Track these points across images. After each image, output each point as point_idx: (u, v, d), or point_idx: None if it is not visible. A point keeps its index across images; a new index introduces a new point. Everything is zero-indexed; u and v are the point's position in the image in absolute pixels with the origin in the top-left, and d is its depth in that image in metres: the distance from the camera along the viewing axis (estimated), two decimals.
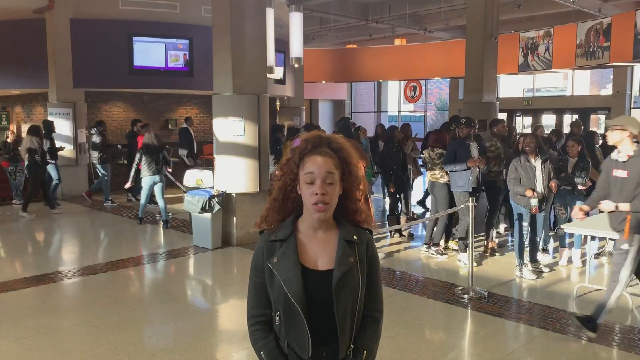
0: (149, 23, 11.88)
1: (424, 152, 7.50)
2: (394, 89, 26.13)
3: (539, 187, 6.04)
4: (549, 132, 9.99)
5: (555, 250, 7.21)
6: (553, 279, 6.22)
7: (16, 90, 13.18)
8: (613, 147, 4.58)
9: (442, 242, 7.26)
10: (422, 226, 8.71)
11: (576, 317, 4.60)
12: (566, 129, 12.52)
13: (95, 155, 11.00)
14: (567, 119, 19.83)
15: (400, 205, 8.43)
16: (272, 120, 14.02)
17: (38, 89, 12.35)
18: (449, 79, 21.95)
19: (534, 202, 5.94)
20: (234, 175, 7.66)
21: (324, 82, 21.53)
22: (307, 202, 1.83)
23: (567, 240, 6.80)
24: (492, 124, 7.69)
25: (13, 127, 14.12)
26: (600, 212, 5.83)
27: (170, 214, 9.26)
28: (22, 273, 6.61)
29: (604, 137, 7.93)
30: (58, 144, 10.77)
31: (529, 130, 14.94)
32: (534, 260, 6.38)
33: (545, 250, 7.12)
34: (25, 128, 13.90)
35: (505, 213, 8.00)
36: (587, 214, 4.80)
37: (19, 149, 10.22)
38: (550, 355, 4.32)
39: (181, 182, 10.11)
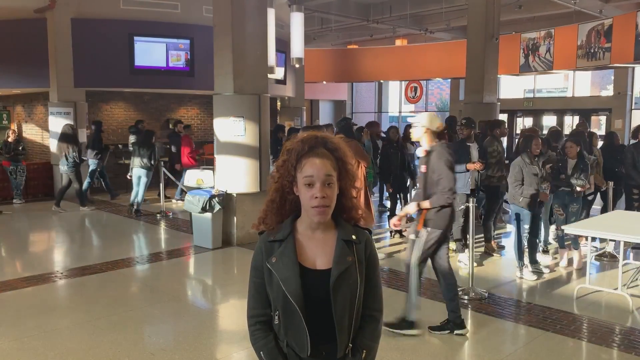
0: (149, 23, 11.88)
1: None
2: (394, 90, 26.12)
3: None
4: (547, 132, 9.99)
5: (556, 251, 7.20)
6: (553, 280, 6.22)
7: (17, 90, 13.18)
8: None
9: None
10: None
11: (389, 325, 4.53)
12: (566, 130, 12.53)
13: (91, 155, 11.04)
14: (568, 120, 19.83)
15: (400, 206, 8.43)
16: (273, 120, 14.03)
17: (39, 89, 12.35)
18: (449, 80, 21.93)
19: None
20: (234, 175, 7.66)
21: (324, 82, 21.53)
22: (306, 204, 1.83)
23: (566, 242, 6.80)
24: (493, 126, 7.66)
25: (14, 126, 14.12)
26: (604, 212, 5.84)
27: (139, 202, 10.07)
28: (22, 272, 6.60)
29: (605, 137, 7.94)
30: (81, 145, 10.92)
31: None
32: (533, 261, 6.38)
33: (545, 252, 7.12)
34: (25, 127, 13.94)
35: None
36: (410, 218, 4.83)
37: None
38: (550, 356, 4.32)
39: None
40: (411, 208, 4.63)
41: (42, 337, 4.63)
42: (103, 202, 11.08)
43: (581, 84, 21.19)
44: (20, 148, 11.37)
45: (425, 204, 4.47)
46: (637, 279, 5.98)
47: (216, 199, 7.42)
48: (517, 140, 7.69)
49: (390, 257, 7.20)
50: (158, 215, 9.87)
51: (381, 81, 23.89)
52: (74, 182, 10.33)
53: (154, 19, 11.90)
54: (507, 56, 14.99)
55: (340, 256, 1.83)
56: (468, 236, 5.95)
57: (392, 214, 8.39)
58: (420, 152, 4.68)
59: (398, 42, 20.23)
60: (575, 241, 6.54)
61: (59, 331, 4.80)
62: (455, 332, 4.60)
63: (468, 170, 6.54)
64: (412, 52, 19.13)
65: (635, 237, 5.32)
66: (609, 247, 7.01)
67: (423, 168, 4.56)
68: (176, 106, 14.52)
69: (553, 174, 6.49)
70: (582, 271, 6.35)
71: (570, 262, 6.66)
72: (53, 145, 11.94)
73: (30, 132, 13.80)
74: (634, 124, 14.84)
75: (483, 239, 7.40)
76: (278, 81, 14.27)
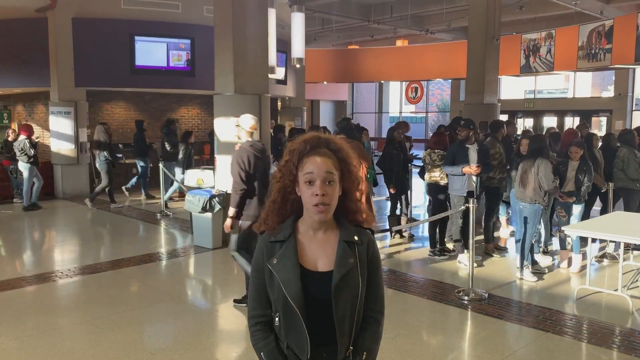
0: (150, 23, 11.89)
1: (423, 153, 7.50)
2: (395, 90, 26.15)
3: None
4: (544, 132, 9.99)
5: (556, 252, 7.21)
6: (554, 281, 6.21)
7: (18, 89, 13.19)
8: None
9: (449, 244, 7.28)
10: (423, 227, 8.70)
11: (236, 301, 5.27)
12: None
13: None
14: (569, 121, 19.83)
15: (400, 206, 8.43)
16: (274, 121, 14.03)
17: (40, 88, 12.36)
18: (450, 80, 21.97)
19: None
20: None
21: (325, 82, 21.55)
22: (307, 203, 1.82)
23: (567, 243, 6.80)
24: (494, 128, 7.63)
25: (14, 125, 14.13)
26: (603, 213, 5.83)
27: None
28: (22, 272, 6.61)
29: (602, 139, 7.93)
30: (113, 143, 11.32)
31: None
32: (533, 262, 6.38)
33: (546, 252, 7.12)
34: None
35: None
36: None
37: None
38: (550, 357, 4.32)
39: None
40: (230, 211, 5.05)
41: (42, 336, 4.63)
42: (105, 201, 11.08)
43: (582, 85, 21.21)
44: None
45: (231, 211, 5.00)
46: (637, 280, 5.97)
47: (216, 198, 7.42)
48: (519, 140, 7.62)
49: (391, 258, 7.20)
50: (158, 214, 9.87)
51: (382, 82, 23.91)
52: (103, 179, 10.60)
53: (155, 18, 11.91)
54: (508, 57, 15.00)
55: (342, 258, 1.82)
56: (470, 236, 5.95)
57: (392, 214, 8.39)
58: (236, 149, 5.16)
59: (399, 43, 20.25)
60: (576, 246, 6.51)
61: (58, 330, 4.80)
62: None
63: (464, 174, 6.51)
64: (412, 53, 19.14)
65: (635, 238, 5.32)
66: (609, 248, 7.01)
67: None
68: (177, 106, 14.53)
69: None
70: (582, 272, 6.35)
71: (570, 262, 6.65)
72: (54, 144, 11.96)
73: None
74: (634, 125, 14.84)
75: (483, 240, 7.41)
76: (279, 81, 14.27)
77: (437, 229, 7.21)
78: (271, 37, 10.12)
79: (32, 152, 10.26)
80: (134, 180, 11.88)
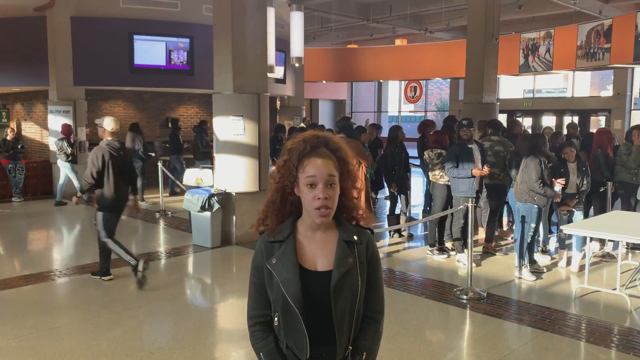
0: (149, 21, 11.88)
1: (424, 153, 7.50)
2: (394, 89, 26.15)
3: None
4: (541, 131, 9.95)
5: (555, 251, 7.22)
6: (552, 280, 6.22)
7: (16, 88, 13.17)
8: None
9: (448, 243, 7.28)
10: (422, 226, 8.71)
11: (92, 273, 6.10)
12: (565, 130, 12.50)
13: None
14: (568, 120, 19.84)
15: (400, 206, 8.44)
16: (272, 120, 14.03)
17: (38, 87, 12.34)
18: (449, 80, 21.96)
19: (558, 188, 6.15)
20: (233, 174, 7.66)
21: (324, 81, 21.54)
22: (308, 205, 1.81)
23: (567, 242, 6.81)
24: (510, 127, 7.59)
25: (13, 124, 14.11)
26: (598, 213, 5.83)
27: None
28: (21, 271, 6.60)
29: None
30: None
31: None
32: (532, 261, 6.38)
33: (545, 252, 7.13)
34: (25, 126, 13.92)
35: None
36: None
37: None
38: (549, 356, 4.33)
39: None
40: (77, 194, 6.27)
41: (41, 335, 4.63)
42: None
43: (581, 84, 21.23)
44: (19, 146, 11.37)
45: (78, 194, 6.20)
46: (635, 280, 5.98)
47: (215, 198, 7.42)
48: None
49: (389, 257, 7.21)
50: (157, 214, 9.87)
51: (381, 81, 23.91)
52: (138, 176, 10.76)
53: (154, 17, 11.89)
54: (507, 56, 15.00)
55: (341, 258, 1.82)
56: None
57: (392, 213, 8.40)
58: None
59: (398, 42, 20.25)
60: (578, 244, 6.51)
61: (57, 329, 4.80)
62: (103, 277, 6.03)
63: (474, 177, 6.48)
64: (411, 52, 19.14)
65: (633, 238, 5.33)
66: (608, 248, 7.01)
67: None
68: (176, 105, 14.51)
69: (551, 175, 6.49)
70: (580, 272, 6.35)
71: (569, 261, 6.66)
72: (52, 143, 11.94)
73: (30, 130, 13.78)
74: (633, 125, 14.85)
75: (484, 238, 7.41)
76: (278, 80, 14.26)
77: (437, 228, 7.21)
78: (270, 36, 10.12)
79: (70, 150, 10.61)
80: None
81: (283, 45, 13.71)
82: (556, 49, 15.04)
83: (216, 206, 7.41)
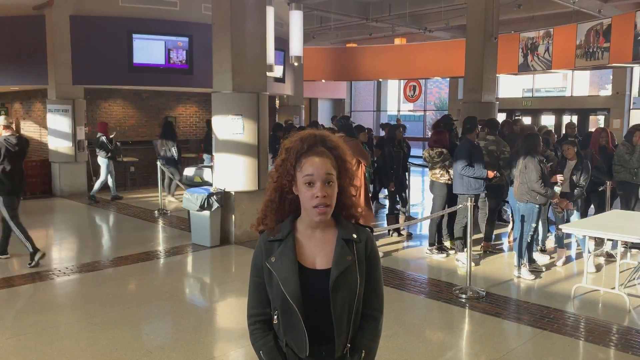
0: (148, 20, 11.87)
1: (424, 151, 7.50)
2: (393, 88, 26.13)
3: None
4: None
5: (554, 250, 7.22)
6: (551, 279, 6.23)
7: (15, 87, 13.16)
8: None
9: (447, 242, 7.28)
10: (421, 225, 8.71)
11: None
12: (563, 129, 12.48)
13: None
14: (567, 120, 19.85)
15: (399, 205, 8.44)
16: (272, 119, 14.03)
17: (37, 86, 12.33)
18: (448, 79, 21.94)
19: (558, 189, 6.15)
20: (233, 173, 7.65)
21: (323, 80, 21.52)
22: (307, 204, 1.81)
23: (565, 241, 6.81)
24: (494, 126, 7.58)
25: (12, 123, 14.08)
26: (598, 212, 5.82)
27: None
28: (20, 269, 6.60)
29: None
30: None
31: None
32: (530, 260, 6.39)
33: (543, 251, 7.13)
34: (24, 125, 13.90)
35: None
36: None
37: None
38: (548, 355, 4.33)
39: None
40: None
41: (40, 334, 4.63)
42: (104, 199, 11.07)
43: (580, 83, 21.22)
44: None
45: None
46: (634, 279, 5.99)
47: (214, 197, 7.42)
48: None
49: (389, 256, 7.21)
50: (156, 212, 9.86)
51: (380, 80, 23.89)
52: (174, 174, 10.83)
53: (153, 16, 11.89)
54: (506, 55, 15.00)
55: (340, 256, 1.82)
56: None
57: (391, 212, 8.40)
58: None
59: (397, 41, 20.22)
60: (583, 244, 6.49)
61: (56, 328, 4.80)
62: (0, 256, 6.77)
63: (490, 178, 6.54)
64: (411, 51, 19.12)
65: (632, 237, 5.33)
66: (607, 247, 7.02)
67: None
68: (175, 104, 14.50)
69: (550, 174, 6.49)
70: (579, 270, 6.36)
71: (567, 261, 6.67)
72: (51, 142, 11.94)
73: (29, 129, 13.76)
74: (632, 124, 14.86)
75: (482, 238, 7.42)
76: (277, 79, 14.26)
77: (436, 227, 7.22)
78: (269, 35, 10.11)
79: (109, 147, 10.83)
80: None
81: (282, 44, 13.70)
82: (555, 48, 15.04)
83: (215, 205, 7.40)
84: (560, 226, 6.18)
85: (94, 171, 11.74)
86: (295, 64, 13.56)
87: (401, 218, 8.52)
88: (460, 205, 6.41)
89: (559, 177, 6.26)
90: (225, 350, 4.54)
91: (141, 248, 7.55)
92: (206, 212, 7.41)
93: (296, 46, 12.95)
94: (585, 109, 19.58)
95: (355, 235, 1.86)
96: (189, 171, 9.35)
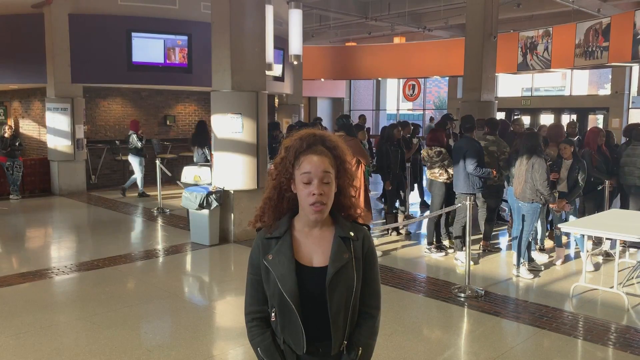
0: (147, 19, 11.86)
1: (422, 151, 7.50)
2: (392, 87, 26.11)
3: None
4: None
5: (552, 249, 7.23)
6: (549, 278, 6.23)
7: (14, 85, 13.15)
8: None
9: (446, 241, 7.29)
10: (419, 224, 8.72)
11: None
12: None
13: None
14: (566, 119, 19.85)
15: (399, 204, 8.44)
16: (271, 117, 14.03)
17: (36, 84, 12.32)
18: (447, 78, 21.94)
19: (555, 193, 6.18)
20: (232, 172, 7.65)
21: (322, 79, 21.51)
22: (304, 202, 1.82)
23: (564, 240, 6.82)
24: (494, 126, 7.58)
25: (11, 121, 14.09)
26: (597, 211, 5.81)
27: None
28: (19, 268, 6.60)
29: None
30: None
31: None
32: (529, 259, 6.40)
33: (542, 250, 7.14)
34: (22, 123, 13.90)
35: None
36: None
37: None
38: (546, 353, 4.34)
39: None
40: None
41: (39, 333, 4.63)
42: (103, 198, 11.07)
43: (579, 82, 21.24)
44: (17, 144, 11.36)
45: None
46: (632, 278, 6.00)
47: (213, 195, 7.42)
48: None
49: (387, 255, 7.21)
50: (155, 211, 9.86)
51: (379, 79, 23.88)
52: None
53: (152, 15, 11.87)
54: (505, 54, 15.00)
55: (337, 253, 1.83)
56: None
57: (390, 212, 8.40)
58: None
59: (396, 40, 20.22)
60: (581, 244, 6.48)
61: (55, 327, 4.80)
62: None
63: (495, 176, 6.61)
64: (410, 50, 19.11)
65: (630, 236, 5.34)
66: (605, 246, 7.02)
67: None
68: (174, 103, 14.50)
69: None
70: (578, 269, 6.37)
71: (566, 259, 6.68)
72: (50, 141, 11.93)
73: (27, 127, 13.76)
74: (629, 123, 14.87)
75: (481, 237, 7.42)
76: (276, 78, 14.25)
77: (434, 226, 7.22)
78: (268, 33, 10.08)
79: (140, 144, 11.07)
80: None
81: (281, 43, 13.69)
82: (554, 48, 15.04)
83: (214, 204, 7.40)
84: (558, 225, 6.19)
85: (92, 169, 11.74)
86: (295, 62, 13.54)
87: (400, 217, 8.52)
88: (459, 204, 6.41)
89: (553, 176, 6.27)
90: (224, 349, 4.54)
91: (140, 247, 7.56)
92: (205, 211, 7.41)
93: (295, 45, 12.93)
94: (584, 108, 19.59)
95: (352, 233, 1.87)
96: (187, 171, 9.34)
